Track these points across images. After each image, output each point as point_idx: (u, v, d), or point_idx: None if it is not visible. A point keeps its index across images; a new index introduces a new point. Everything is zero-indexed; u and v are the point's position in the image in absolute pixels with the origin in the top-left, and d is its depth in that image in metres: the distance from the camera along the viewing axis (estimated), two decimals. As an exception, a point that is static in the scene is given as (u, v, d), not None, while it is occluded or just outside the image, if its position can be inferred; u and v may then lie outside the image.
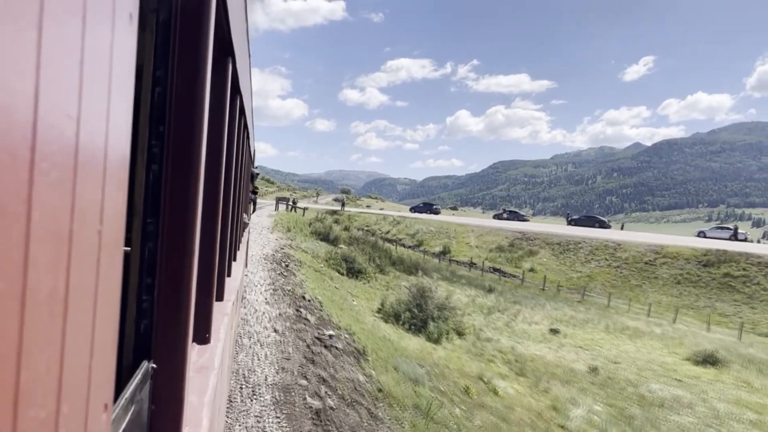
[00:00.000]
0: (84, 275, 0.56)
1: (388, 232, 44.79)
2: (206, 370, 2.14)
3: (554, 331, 19.49)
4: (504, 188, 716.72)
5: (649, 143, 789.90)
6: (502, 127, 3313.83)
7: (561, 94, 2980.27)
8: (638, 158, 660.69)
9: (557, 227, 50.11)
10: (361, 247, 28.06)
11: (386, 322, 15.45)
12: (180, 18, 1.37)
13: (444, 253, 39.03)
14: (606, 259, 34.98)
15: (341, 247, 25.68)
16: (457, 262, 37.28)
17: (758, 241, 49.66)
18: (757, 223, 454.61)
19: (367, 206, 74.66)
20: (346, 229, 37.15)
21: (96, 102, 0.57)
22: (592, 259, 35.45)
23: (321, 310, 12.05)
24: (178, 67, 1.37)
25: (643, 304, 29.20)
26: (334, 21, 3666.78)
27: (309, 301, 12.19)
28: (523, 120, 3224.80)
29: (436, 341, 15.12)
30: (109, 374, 0.70)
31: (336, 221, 40.54)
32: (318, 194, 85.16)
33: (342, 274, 21.14)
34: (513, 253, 37.92)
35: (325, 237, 26.47)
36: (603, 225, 48.70)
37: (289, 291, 12.24)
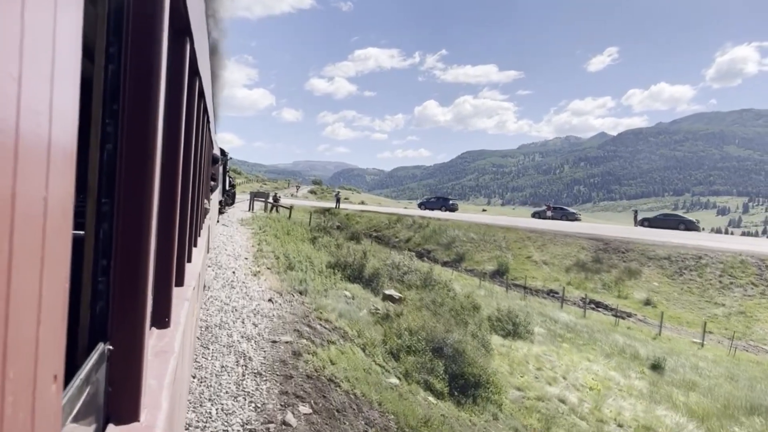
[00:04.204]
0: (28, 242, 0.55)
1: (408, 240, 31.98)
2: (166, 354, 1.98)
3: None
4: (473, 178, 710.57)
5: (613, 133, 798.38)
6: (470, 117, 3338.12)
7: (527, 85, 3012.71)
8: (604, 147, 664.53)
9: (625, 228, 38.31)
10: (417, 287, 15.39)
11: None
12: None
13: (500, 273, 26.69)
14: (754, 284, 23.34)
15: (390, 294, 12.94)
16: (525, 288, 24.96)
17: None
18: (722, 212, 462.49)
19: (346, 198, 63.28)
20: (356, 238, 24.44)
21: (37, 67, 0.55)
22: (731, 283, 23.74)
23: None
24: (132, 44, 1.31)
25: None
26: (302, 9, 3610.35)
27: None
28: (490, 110, 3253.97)
29: None
30: (58, 345, 0.69)
31: (338, 227, 27.76)
32: (298, 187, 71.19)
33: (441, 397, 8.51)
34: (604, 272, 25.87)
35: (356, 274, 13.67)
36: (690, 226, 35.97)
37: None
